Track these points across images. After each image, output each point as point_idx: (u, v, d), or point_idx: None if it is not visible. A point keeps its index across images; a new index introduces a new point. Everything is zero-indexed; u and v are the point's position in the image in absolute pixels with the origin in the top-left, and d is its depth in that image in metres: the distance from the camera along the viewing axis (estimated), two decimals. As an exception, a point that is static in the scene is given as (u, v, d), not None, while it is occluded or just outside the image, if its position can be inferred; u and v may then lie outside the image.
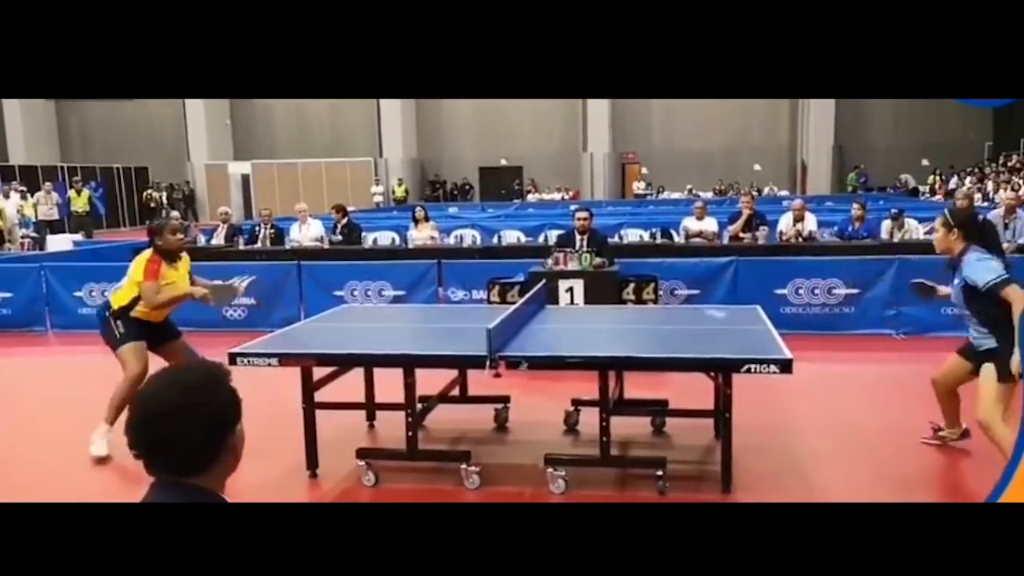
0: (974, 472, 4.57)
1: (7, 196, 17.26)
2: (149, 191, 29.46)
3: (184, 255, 5.41)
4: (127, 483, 4.47)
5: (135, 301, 5.19)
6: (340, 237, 11.33)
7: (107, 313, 5.24)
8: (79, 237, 16.59)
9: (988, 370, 4.19)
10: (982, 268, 4.14)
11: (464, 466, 4.49)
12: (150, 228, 5.39)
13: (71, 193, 20.02)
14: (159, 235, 5.21)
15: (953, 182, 24.13)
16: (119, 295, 5.27)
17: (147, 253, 5.27)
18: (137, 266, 5.21)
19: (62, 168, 26.72)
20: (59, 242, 14.81)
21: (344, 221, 11.45)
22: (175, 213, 14.16)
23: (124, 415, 1.72)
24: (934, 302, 5.29)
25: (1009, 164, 23.90)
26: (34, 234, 17.17)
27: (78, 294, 9.32)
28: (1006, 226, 9.29)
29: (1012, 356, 3.98)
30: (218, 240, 11.97)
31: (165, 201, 28.65)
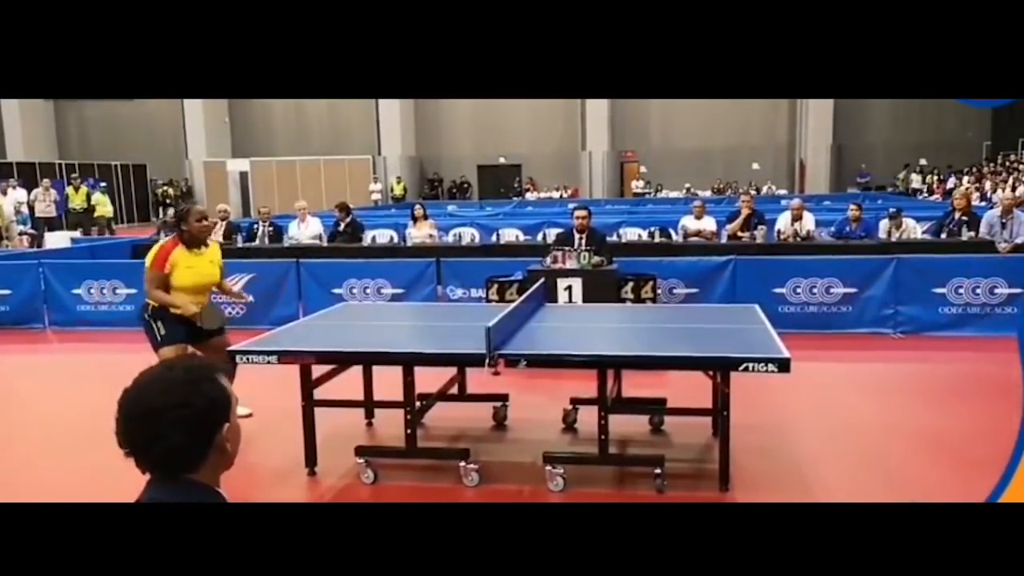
0: (974, 472, 4.57)
1: (4, 193, 17.23)
2: (164, 187, 29.59)
3: (212, 244, 5.45)
4: (125, 481, 4.47)
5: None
6: (345, 235, 11.37)
7: (146, 314, 5.22)
8: (77, 234, 16.56)
9: None
10: None
11: (463, 464, 4.50)
12: (176, 213, 5.41)
13: (69, 190, 19.98)
14: (184, 220, 5.24)
15: (951, 182, 24.17)
16: None
17: (165, 240, 5.34)
18: (148, 255, 5.25)
19: (60, 165, 26.67)
20: (57, 239, 14.79)
21: (348, 219, 11.46)
22: (172, 210, 14.12)
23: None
24: None
25: (1008, 164, 23.93)
26: (32, 231, 17.14)
27: (76, 291, 9.31)
28: (1003, 226, 9.31)
29: None
30: (216, 237, 11.95)
31: (166, 197, 28.67)
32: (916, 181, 27.15)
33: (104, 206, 20.15)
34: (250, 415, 5.30)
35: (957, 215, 9.97)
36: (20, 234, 16.68)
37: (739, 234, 10.58)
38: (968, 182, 22.71)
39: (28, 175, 22.69)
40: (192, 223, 5.21)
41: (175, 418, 1.54)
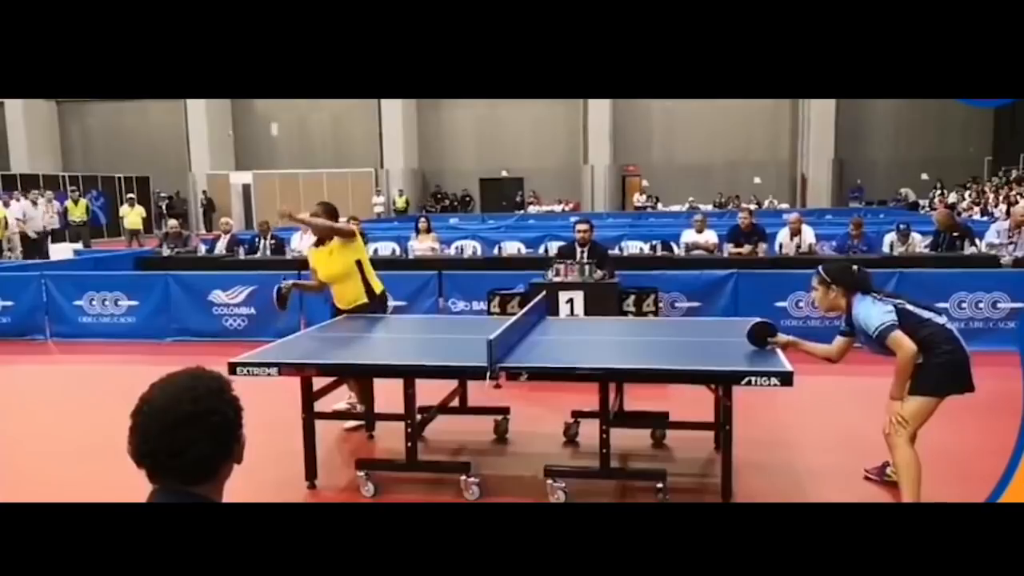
0: (976, 486, 4.54)
1: (7, 204, 17.27)
2: (167, 199, 29.92)
3: (337, 241, 5.79)
4: (126, 491, 4.45)
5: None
6: None
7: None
8: (79, 246, 16.61)
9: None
10: (871, 314, 4.01)
11: (464, 477, 4.48)
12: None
13: (68, 203, 20.04)
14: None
15: (952, 197, 24.19)
16: None
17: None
18: None
19: (64, 177, 26.75)
20: (60, 251, 14.81)
21: (359, 230, 11.57)
22: (172, 222, 14.18)
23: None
24: (769, 348, 4.42)
25: (1011, 177, 23.94)
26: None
27: (78, 303, 9.31)
28: (1009, 237, 9.33)
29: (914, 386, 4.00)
30: (220, 250, 12.03)
31: (165, 210, 28.70)
32: (911, 195, 27.11)
33: (132, 217, 20.43)
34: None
35: (943, 234, 9.97)
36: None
37: (739, 250, 10.61)
38: (969, 196, 22.71)
39: (32, 187, 22.73)
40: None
41: (207, 426, 1.58)
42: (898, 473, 3.98)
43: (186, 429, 1.57)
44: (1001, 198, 21.27)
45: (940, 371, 3.96)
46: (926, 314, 4.07)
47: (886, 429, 4.05)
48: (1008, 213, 12.26)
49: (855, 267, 4.33)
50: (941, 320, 4.09)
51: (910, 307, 4.07)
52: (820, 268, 4.33)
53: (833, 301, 4.18)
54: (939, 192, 26.30)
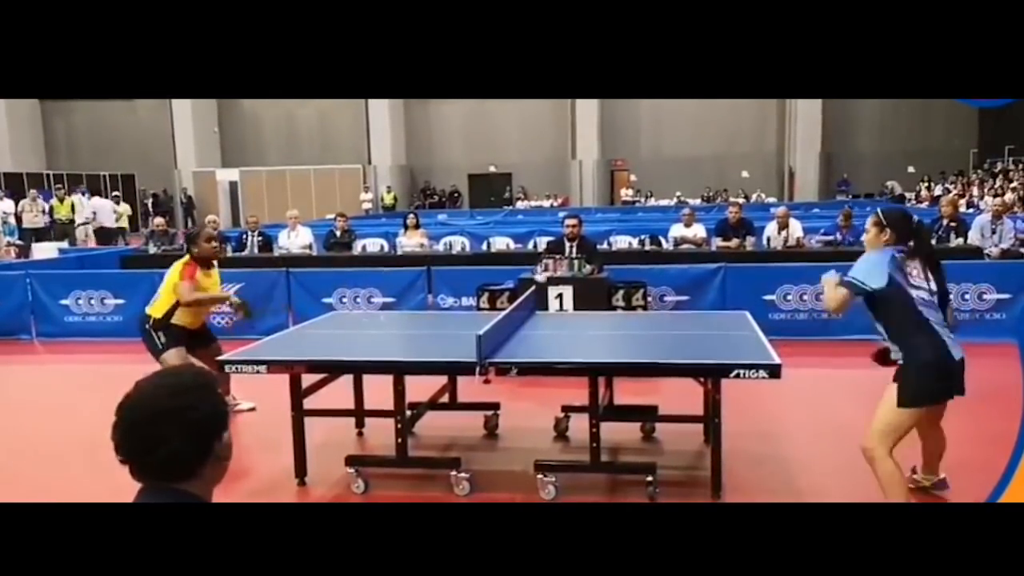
0: (970, 477, 4.57)
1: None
2: (153, 196, 29.78)
3: (215, 263, 5.75)
4: (112, 490, 4.42)
5: (174, 309, 5.46)
6: (342, 243, 11.78)
7: (147, 326, 5.49)
8: (64, 245, 16.48)
9: (889, 391, 3.75)
10: (866, 263, 3.74)
11: (454, 473, 4.47)
12: (186, 236, 5.74)
13: (54, 201, 19.88)
14: (194, 242, 5.58)
15: (939, 189, 24.35)
16: (157, 306, 5.51)
17: (184, 258, 5.59)
18: (174, 271, 5.50)
19: (48, 175, 26.53)
20: (45, 250, 14.70)
21: (346, 227, 12.12)
22: (158, 219, 14.08)
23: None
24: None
25: (995, 170, 24.12)
26: (19, 242, 17.04)
27: (64, 302, 9.24)
28: (993, 231, 9.42)
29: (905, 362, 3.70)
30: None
31: (151, 208, 28.50)
32: (898, 188, 27.30)
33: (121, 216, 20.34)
34: (253, 408, 5.74)
35: (945, 222, 10.05)
36: (8, 245, 16.58)
37: (727, 244, 10.65)
38: (955, 189, 22.88)
39: (16, 185, 22.57)
40: (202, 244, 5.54)
41: (182, 421, 1.56)
42: (882, 486, 3.68)
43: (159, 425, 1.55)
44: (987, 190, 21.43)
45: (918, 381, 3.68)
46: (933, 320, 3.75)
47: (864, 444, 3.77)
48: (995, 206, 12.39)
49: (918, 223, 4.02)
50: (941, 333, 3.74)
51: (926, 301, 3.75)
52: (879, 209, 4.11)
53: (883, 245, 3.86)
54: (926, 185, 26.47)
